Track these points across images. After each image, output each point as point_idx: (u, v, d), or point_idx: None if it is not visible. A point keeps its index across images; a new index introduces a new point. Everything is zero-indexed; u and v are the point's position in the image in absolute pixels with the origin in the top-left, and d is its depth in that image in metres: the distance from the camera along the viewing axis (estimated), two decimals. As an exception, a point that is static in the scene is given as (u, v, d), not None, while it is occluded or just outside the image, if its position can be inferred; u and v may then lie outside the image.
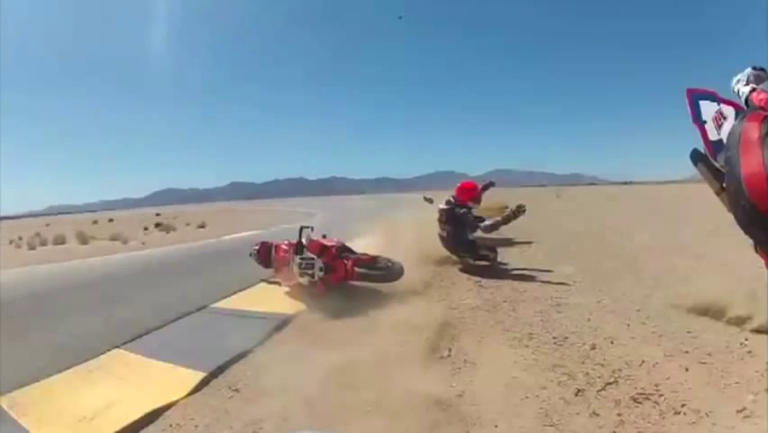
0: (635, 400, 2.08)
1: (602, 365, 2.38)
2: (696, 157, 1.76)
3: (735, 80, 1.64)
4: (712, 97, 1.85)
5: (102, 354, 3.23)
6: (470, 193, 5.34)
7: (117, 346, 3.33)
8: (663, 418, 1.98)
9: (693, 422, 1.95)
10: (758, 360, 2.37)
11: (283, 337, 3.34)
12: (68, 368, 3.05)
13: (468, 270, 5.05)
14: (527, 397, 2.12)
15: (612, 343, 2.67)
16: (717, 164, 1.67)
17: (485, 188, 6.00)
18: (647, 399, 2.10)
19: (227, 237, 13.17)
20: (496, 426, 1.95)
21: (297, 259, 4.31)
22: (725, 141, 1.59)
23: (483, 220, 4.89)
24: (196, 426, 2.23)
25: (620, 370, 2.32)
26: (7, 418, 2.49)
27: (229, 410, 2.32)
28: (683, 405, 2.06)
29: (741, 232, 1.29)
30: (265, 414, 2.18)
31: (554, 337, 2.79)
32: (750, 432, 1.80)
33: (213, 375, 2.68)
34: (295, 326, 3.56)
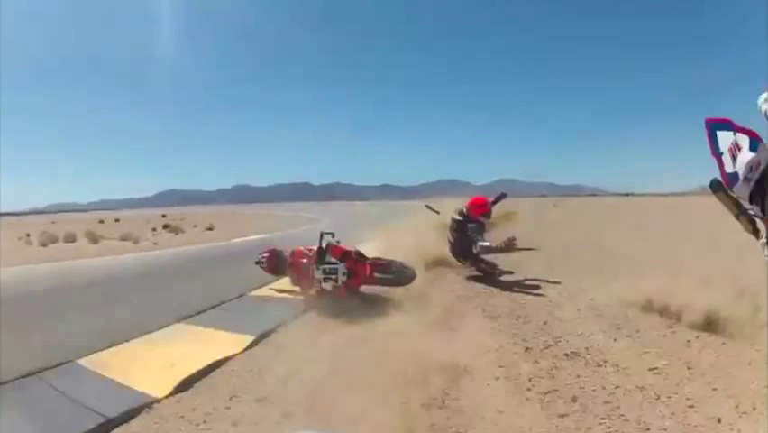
0: (567, 355, 2.93)
1: (549, 334, 3.23)
2: (715, 186, 1.86)
3: (762, 99, 1.62)
4: (728, 126, 1.86)
5: (165, 327, 4.04)
6: (482, 210, 5.69)
7: (178, 321, 4.17)
8: (587, 367, 2.82)
9: (610, 372, 2.78)
10: (660, 334, 3.23)
11: (308, 316, 4.17)
12: (137, 337, 3.78)
13: (464, 272, 5.84)
14: (488, 351, 2.97)
15: (561, 321, 3.52)
16: (732, 194, 1.82)
17: (497, 200, 6.27)
18: (577, 355, 2.95)
19: (238, 240, 14.02)
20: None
21: (321, 264, 4.38)
22: (740, 174, 1.75)
23: (485, 240, 5.45)
24: (250, 370, 3.05)
25: (561, 337, 3.17)
26: (92, 373, 3.10)
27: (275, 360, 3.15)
28: (605, 361, 2.90)
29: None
30: (302, 360, 3.00)
31: (518, 317, 3.65)
32: (654, 381, 2.55)
33: (261, 337, 3.53)
34: (316, 304, 4.36)
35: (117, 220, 35.55)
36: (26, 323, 4.18)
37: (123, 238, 16.98)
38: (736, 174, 1.77)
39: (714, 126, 1.89)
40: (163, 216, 38.42)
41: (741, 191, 1.79)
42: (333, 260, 4.33)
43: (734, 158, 1.80)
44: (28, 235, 20.69)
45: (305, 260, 4.66)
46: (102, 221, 34.43)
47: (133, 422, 2.39)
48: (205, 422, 2.36)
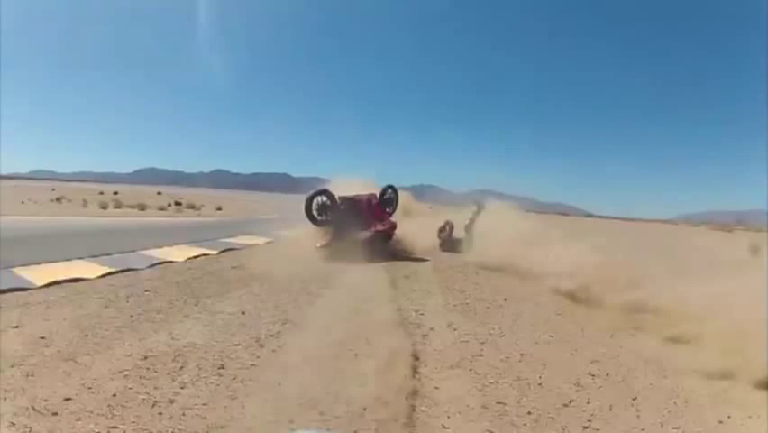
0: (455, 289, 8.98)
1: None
2: None
3: None
4: None
5: (185, 243, 9.22)
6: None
7: (193, 243, 9.42)
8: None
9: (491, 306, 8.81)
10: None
11: (265, 246, 10.02)
12: (175, 244, 9.03)
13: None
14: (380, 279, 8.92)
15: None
16: None
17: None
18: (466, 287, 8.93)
19: (261, 216, 19.91)
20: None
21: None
22: None
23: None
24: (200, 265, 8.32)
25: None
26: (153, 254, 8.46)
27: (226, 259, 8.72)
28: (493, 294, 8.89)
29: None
30: (258, 261, 8.40)
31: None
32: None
33: (225, 252, 9.06)
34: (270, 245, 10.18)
35: (116, 193, 35.70)
36: (127, 242, 8.78)
37: (161, 209, 21.85)
38: None
39: None
40: (159, 193, 40.92)
41: None
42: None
43: None
44: (58, 200, 24.07)
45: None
46: (102, 192, 35.54)
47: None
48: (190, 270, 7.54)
